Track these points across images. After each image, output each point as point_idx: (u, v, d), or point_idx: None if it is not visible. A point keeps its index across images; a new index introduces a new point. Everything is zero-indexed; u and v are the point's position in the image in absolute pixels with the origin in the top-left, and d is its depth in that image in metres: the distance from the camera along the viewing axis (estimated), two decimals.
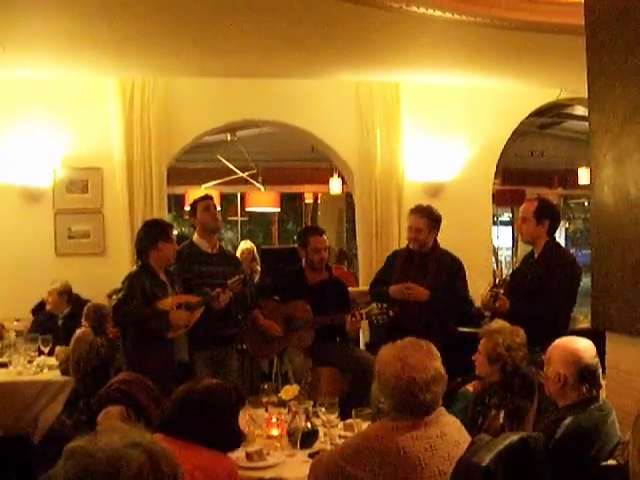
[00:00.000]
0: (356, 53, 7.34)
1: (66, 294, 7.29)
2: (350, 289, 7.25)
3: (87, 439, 1.74)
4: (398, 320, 6.09)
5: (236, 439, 3.49)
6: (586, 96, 4.79)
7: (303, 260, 6.76)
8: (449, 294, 6.27)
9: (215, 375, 6.10)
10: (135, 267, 5.97)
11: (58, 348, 6.53)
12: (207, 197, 6.59)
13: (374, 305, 6.21)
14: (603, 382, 3.76)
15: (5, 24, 6.10)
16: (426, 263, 6.35)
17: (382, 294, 6.31)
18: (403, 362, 3.10)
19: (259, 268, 9.95)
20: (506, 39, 6.62)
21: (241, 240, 12.52)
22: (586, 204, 19.31)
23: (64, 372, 6.16)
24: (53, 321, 7.26)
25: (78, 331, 6.23)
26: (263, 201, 13.60)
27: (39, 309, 7.50)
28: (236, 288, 5.91)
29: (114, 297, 5.86)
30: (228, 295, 5.86)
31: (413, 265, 6.38)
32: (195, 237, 6.37)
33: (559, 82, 8.41)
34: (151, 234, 5.82)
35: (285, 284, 6.76)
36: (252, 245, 10.41)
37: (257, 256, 10.25)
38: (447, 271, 6.34)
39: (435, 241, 6.42)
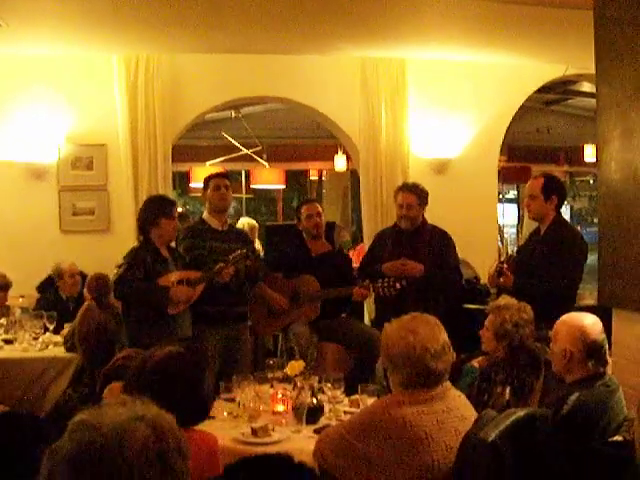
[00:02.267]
0: (362, 28, 7.28)
1: (78, 275, 7.20)
2: (355, 265, 7.26)
3: (91, 412, 1.74)
4: (400, 297, 6.10)
5: (201, 410, 3.21)
6: (593, 72, 4.76)
7: (303, 233, 6.78)
8: (442, 267, 6.30)
9: (227, 353, 6.11)
10: (137, 242, 5.95)
11: (66, 327, 6.51)
12: (220, 175, 6.52)
13: (380, 278, 6.20)
14: (609, 358, 3.75)
15: (9, 0, 6.06)
16: (417, 239, 6.39)
17: (376, 273, 6.30)
18: (414, 334, 3.14)
19: (258, 243, 9.86)
20: (512, 14, 6.57)
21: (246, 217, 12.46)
22: (592, 182, 19.29)
23: (69, 349, 6.17)
24: (61, 301, 7.18)
25: (84, 305, 6.22)
26: (268, 178, 13.57)
27: (46, 287, 7.45)
28: (238, 262, 5.89)
29: (115, 272, 5.83)
30: (231, 269, 5.84)
31: (404, 242, 6.40)
32: (205, 214, 6.35)
33: (566, 57, 8.35)
34: (153, 210, 5.79)
35: (290, 258, 6.78)
36: (252, 221, 10.34)
37: (256, 233, 10.19)
38: (438, 245, 6.39)
39: (423, 217, 6.44)
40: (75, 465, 1.64)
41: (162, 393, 2.75)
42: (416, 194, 6.38)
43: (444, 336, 3.21)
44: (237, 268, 5.91)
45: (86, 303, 6.25)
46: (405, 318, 3.26)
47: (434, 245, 6.38)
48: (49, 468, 1.67)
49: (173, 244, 6.03)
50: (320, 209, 6.87)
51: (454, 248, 6.48)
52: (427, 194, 6.45)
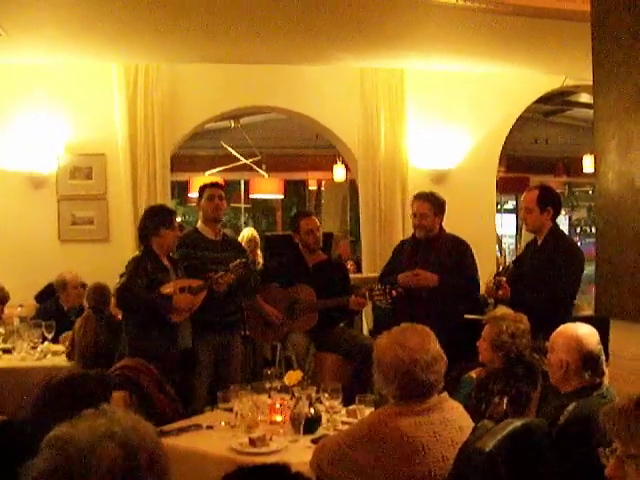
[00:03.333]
0: (361, 39, 7.31)
1: (81, 286, 7.16)
2: (353, 276, 7.26)
3: (66, 427, 1.74)
4: (406, 307, 6.08)
5: None
6: (591, 83, 4.77)
7: (300, 245, 6.77)
8: (458, 277, 6.24)
9: (219, 361, 6.13)
10: (138, 252, 5.98)
11: (64, 335, 6.49)
12: (214, 185, 6.53)
13: (376, 286, 6.19)
14: (606, 369, 3.75)
15: (8, 9, 6.08)
16: (433, 249, 6.33)
17: (391, 284, 6.28)
18: (402, 346, 3.13)
19: (260, 255, 9.88)
20: (511, 25, 6.60)
21: (244, 227, 12.48)
22: (590, 192, 19.27)
23: (70, 357, 6.16)
24: (62, 312, 7.13)
25: (83, 315, 6.21)
26: (267, 188, 13.61)
27: (45, 296, 7.43)
28: (238, 271, 5.91)
29: (117, 282, 5.85)
30: (230, 278, 5.86)
31: (420, 252, 6.36)
32: (199, 224, 6.38)
33: (564, 69, 8.38)
34: (153, 220, 5.83)
35: (286, 268, 6.78)
36: (255, 233, 10.35)
37: (259, 243, 10.20)
38: (454, 255, 6.30)
39: (441, 227, 6.40)
40: None
41: (59, 415, 2.71)
42: (430, 202, 6.31)
43: (434, 346, 3.18)
44: (238, 278, 5.95)
45: (85, 313, 6.23)
46: (395, 330, 3.25)
47: (451, 254, 6.29)
48: None
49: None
50: (318, 223, 6.88)
51: (472, 257, 6.34)
52: (443, 203, 6.36)
